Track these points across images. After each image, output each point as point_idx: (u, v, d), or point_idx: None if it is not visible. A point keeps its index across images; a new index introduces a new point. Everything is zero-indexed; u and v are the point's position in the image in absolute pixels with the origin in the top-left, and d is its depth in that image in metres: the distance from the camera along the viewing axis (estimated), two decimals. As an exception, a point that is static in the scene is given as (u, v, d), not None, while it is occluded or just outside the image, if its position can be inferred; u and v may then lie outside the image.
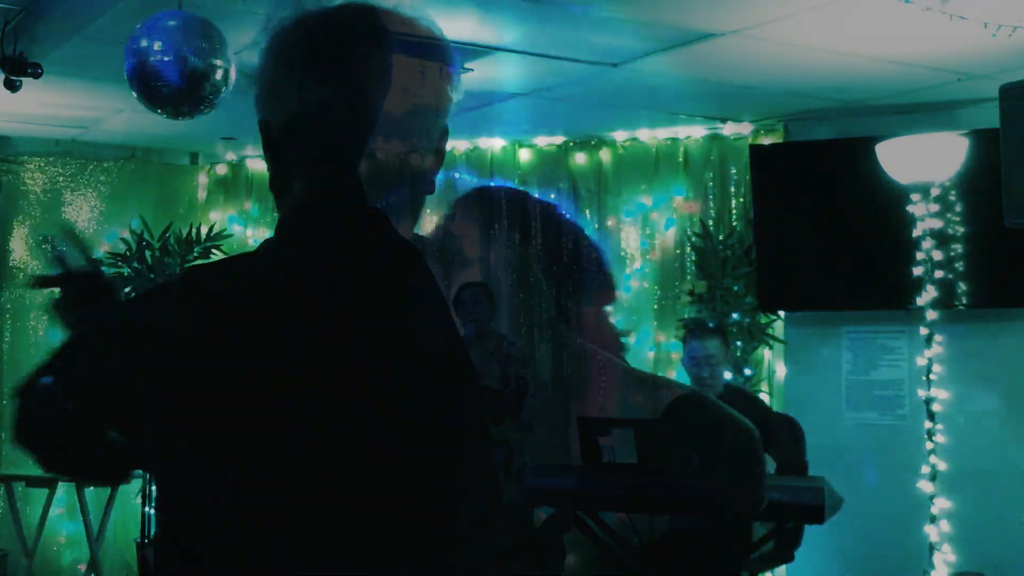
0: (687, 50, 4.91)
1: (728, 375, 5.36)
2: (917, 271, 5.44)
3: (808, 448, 4.92)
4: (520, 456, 5.31)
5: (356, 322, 1.35)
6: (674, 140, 6.73)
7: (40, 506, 6.73)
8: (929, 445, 5.37)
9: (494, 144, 7.03)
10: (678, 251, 6.68)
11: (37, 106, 5.95)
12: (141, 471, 6.50)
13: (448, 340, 1.44)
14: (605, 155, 6.89)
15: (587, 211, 6.88)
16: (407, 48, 1.44)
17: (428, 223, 6.71)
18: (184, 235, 6.97)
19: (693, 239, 6.52)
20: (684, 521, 4.29)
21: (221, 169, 7.73)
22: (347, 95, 1.42)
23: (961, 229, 5.64)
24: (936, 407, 5.39)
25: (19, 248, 7.13)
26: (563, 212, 6.85)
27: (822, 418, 5.86)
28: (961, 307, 5.67)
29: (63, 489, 6.71)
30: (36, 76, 4.92)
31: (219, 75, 3.96)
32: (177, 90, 3.92)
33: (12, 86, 4.96)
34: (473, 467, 1.42)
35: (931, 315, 5.41)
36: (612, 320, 6.77)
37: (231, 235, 7.35)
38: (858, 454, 5.93)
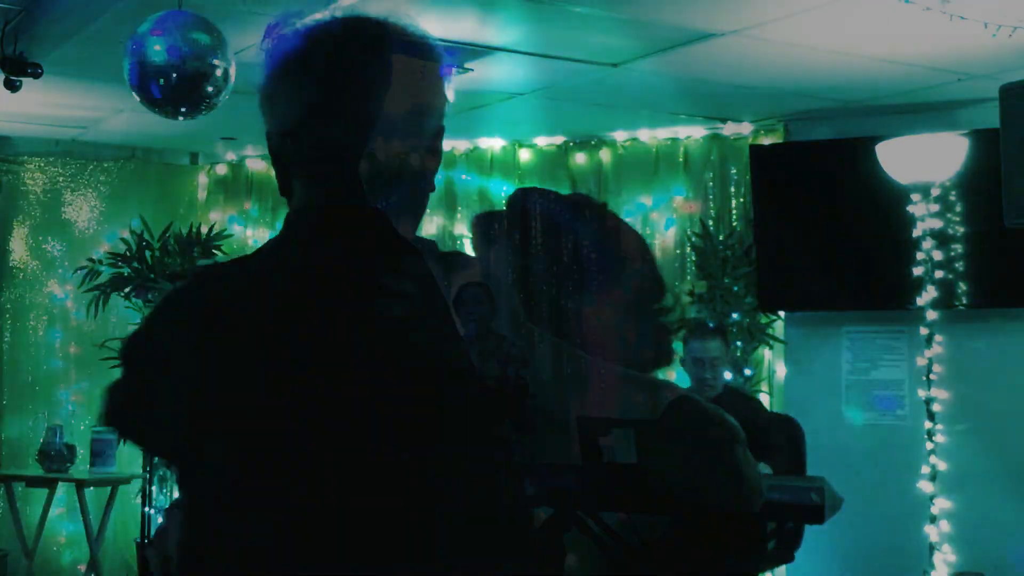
0: (687, 50, 4.91)
1: (728, 375, 5.36)
2: (917, 271, 5.44)
3: (808, 448, 4.92)
4: (520, 456, 5.31)
5: (356, 322, 1.35)
6: (674, 140, 6.73)
7: (40, 506, 6.73)
8: (929, 445, 5.37)
9: (494, 144, 7.03)
10: (678, 251, 6.68)
11: (37, 106, 5.95)
12: (140, 471, 6.53)
13: (448, 340, 1.45)
14: (605, 155, 6.89)
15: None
16: (404, 49, 1.47)
17: (428, 224, 6.71)
18: (184, 235, 6.97)
19: (693, 239, 6.52)
20: (684, 521, 4.28)
21: (221, 169, 7.73)
22: (344, 97, 1.44)
23: (961, 229, 5.64)
24: (936, 407, 5.39)
25: (19, 248, 7.12)
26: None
27: (822, 418, 5.86)
28: (961, 307, 5.67)
29: (63, 489, 6.71)
30: (36, 76, 4.92)
31: (219, 75, 3.96)
32: (177, 90, 3.92)
33: (12, 86, 4.96)
34: (473, 467, 1.42)
35: (931, 315, 5.41)
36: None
37: (231, 235, 7.34)
38: (858, 454, 5.93)
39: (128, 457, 6.82)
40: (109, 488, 6.65)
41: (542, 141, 6.98)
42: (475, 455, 1.43)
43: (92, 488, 6.58)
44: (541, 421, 1.61)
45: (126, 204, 7.28)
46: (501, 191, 6.99)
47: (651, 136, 6.75)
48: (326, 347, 1.33)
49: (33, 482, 6.66)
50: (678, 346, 6.00)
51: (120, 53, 4.01)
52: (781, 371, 6.37)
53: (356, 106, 1.44)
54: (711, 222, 6.54)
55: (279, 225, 1.51)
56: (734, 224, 6.49)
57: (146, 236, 6.90)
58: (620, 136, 6.80)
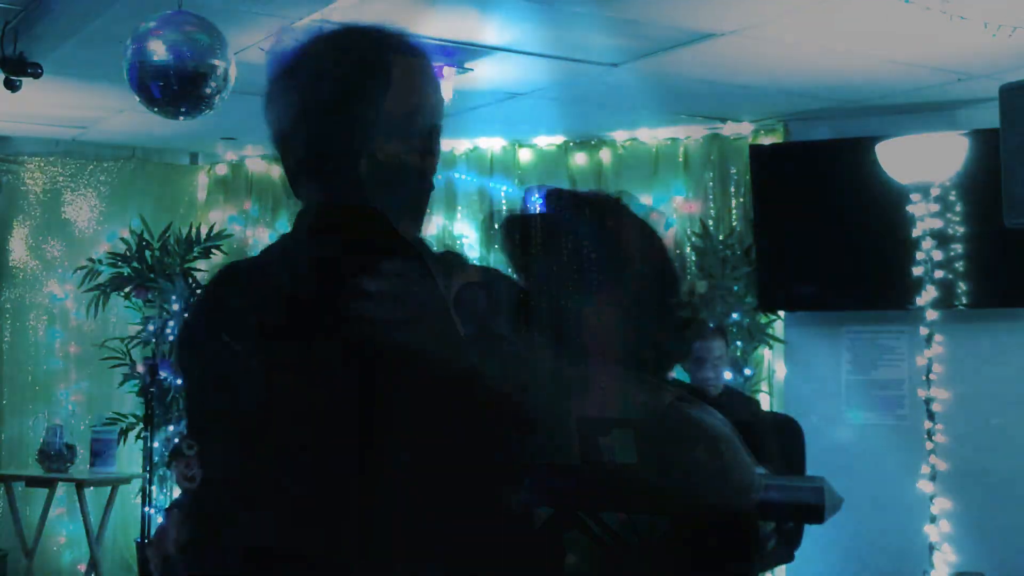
0: (687, 50, 4.91)
1: (728, 375, 5.36)
2: (917, 271, 5.44)
3: (808, 448, 4.92)
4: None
5: (355, 322, 1.35)
6: (674, 140, 6.73)
7: (40, 506, 6.73)
8: (929, 445, 5.37)
9: (494, 144, 7.03)
10: (678, 251, 6.66)
11: (37, 106, 5.94)
12: (140, 471, 6.53)
13: (447, 340, 1.45)
14: (605, 155, 6.89)
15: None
16: (402, 50, 1.49)
17: (431, 225, 6.70)
18: (184, 235, 6.97)
19: (693, 239, 6.52)
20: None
21: (221, 169, 7.73)
22: (344, 99, 1.45)
23: (961, 229, 5.64)
24: (936, 407, 5.39)
25: (19, 248, 7.12)
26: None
27: (822, 418, 5.86)
28: (961, 307, 5.67)
29: (63, 489, 6.71)
30: (36, 76, 4.92)
31: (219, 75, 3.96)
32: (177, 90, 3.92)
33: (12, 86, 4.96)
34: (473, 468, 1.42)
35: (931, 315, 5.41)
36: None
37: (231, 235, 7.34)
38: (858, 454, 5.93)
39: (128, 457, 6.83)
40: (109, 488, 6.65)
41: (542, 141, 6.98)
42: (475, 455, 1.43)
43: (92, 488, 6.59)
44: (541, 421, 1.60)
45: (126, 204, 7.28)
46: (501, 191, 6.99)
47: (651, 136, 6.75)
48: (325, 347, 1.33)
49: (33, 482, 6.66)
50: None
51: (120, 53, 4.01)
52: (781, 371, 6.37)
53: (356, 107, 1.45)
54: (711, 222, 6.54)
55: (279, 225, 1.55)
56: (734, 224, 6.49)
57: (146, 236, 6.91)
58: (620, 136, 6.80)
